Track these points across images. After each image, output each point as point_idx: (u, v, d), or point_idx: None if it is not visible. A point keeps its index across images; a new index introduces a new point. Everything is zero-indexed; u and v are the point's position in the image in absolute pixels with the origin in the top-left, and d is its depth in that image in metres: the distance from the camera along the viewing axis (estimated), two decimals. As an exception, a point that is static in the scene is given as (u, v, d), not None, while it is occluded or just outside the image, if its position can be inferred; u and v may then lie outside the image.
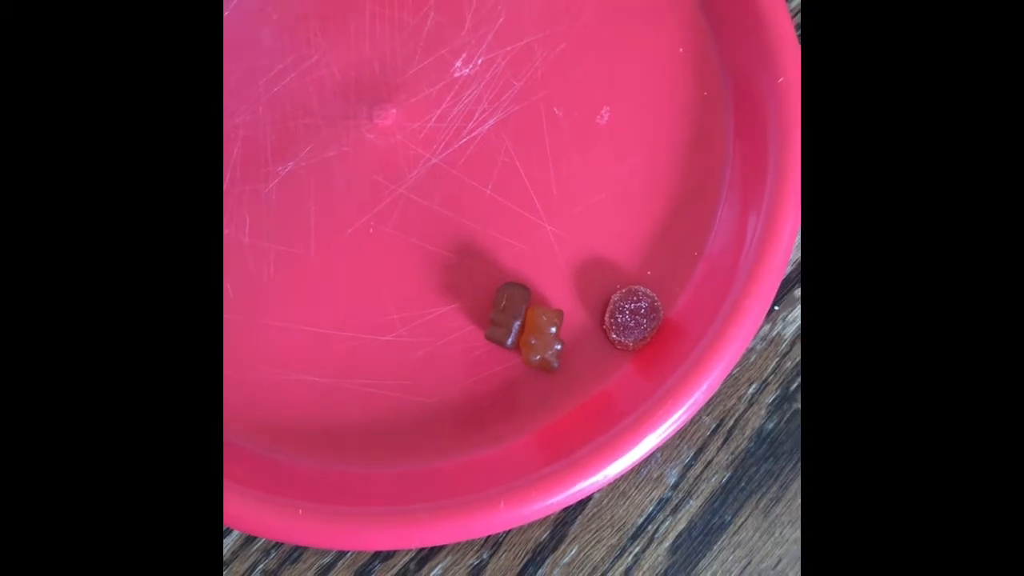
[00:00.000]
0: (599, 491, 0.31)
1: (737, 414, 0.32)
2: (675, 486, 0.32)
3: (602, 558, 0.31)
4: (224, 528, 0.31)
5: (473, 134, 0.34)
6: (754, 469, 0.32)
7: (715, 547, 0.31)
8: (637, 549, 0.31)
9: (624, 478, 0.32)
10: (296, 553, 0.31)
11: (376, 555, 0.31)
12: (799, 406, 0.32)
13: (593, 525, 0.31)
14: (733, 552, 0.31)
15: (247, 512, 0.29)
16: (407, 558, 0.31)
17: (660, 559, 0.31)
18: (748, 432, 0.32)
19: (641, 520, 0.31)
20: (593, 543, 0.31)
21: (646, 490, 0.32)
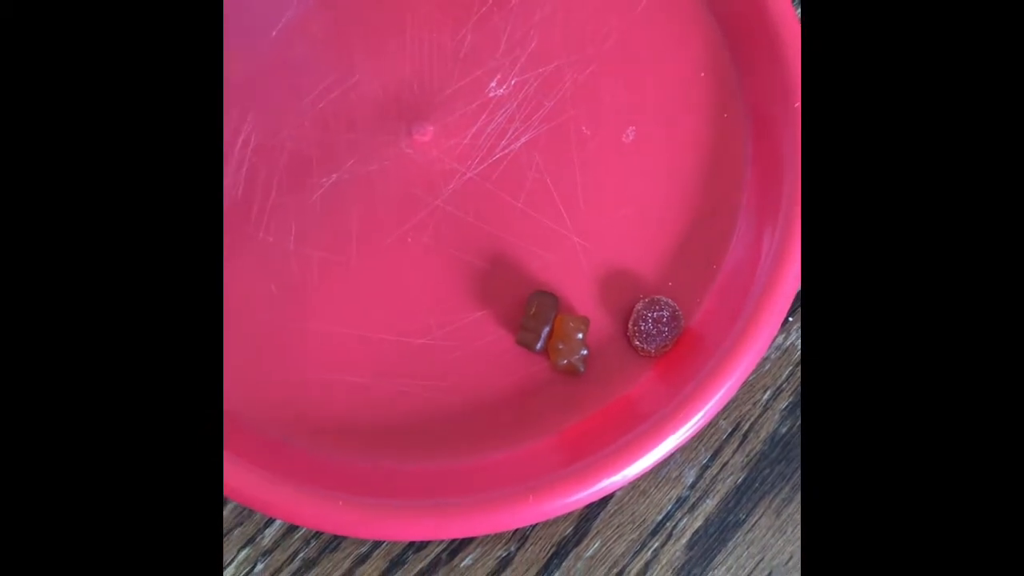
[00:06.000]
0: (621, 489, 0.33)
1: (752, 418, 0.34)
2: (693, 486, 0.33)
3: (623, 552, 0.33)
4: (267, 518, 0.33)
5: (506, 151, 0.36)
6: (768, 471, 0.33)
7: (730, 544, 0.33)
8: (656, 544, 0.33)
9: (645, 477, 0.33)
10: (335, 542, 0.33)
11: (410, 545, 0.33)
12: (811, 412, 0.34)
13: (615, 521, 0.33)
14: (747, 549, 0.33)
15: (290, 503, 0.31)
16: (439, 548, 0.33)
17: (678, 554, 0.33)
18: (762, 436, 0.34)
19: (660, 517, 0.33)
20: (615, 538, 0.33)
21: (665, 489, 0.33)
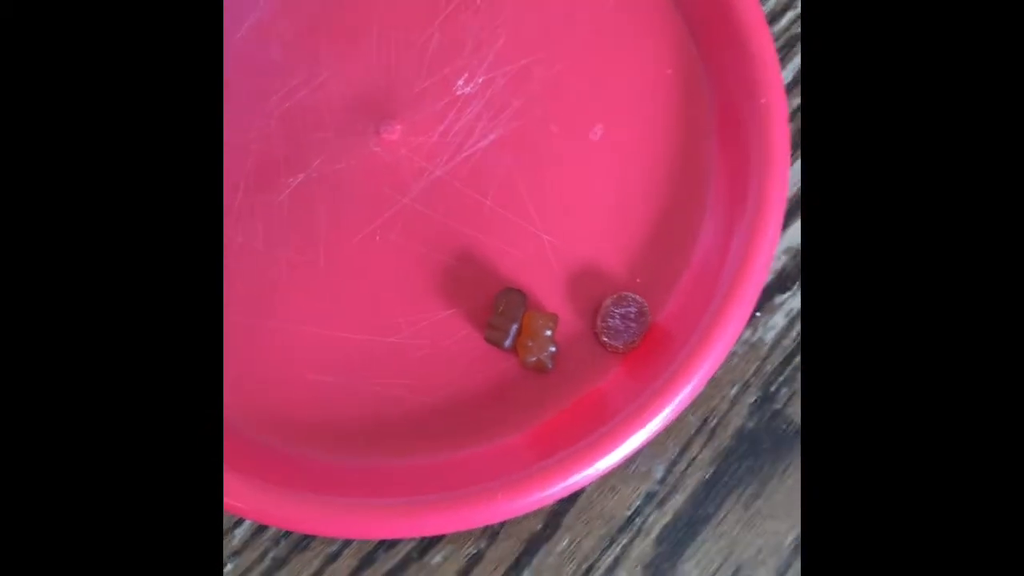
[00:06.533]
0: (590, 485, 0.33)
1: (720, 414, 0.34)
2: (661, 481, 0.34)
3: (592, 548, 0.33)
4: (236, 519, 0.33)
5: (474, 149, 0.36)
6: (736, 465, 0.34)
7: (699, 538, 0.33)
8: (625, 540, 0.33)
9: (613, 473, 0.33)
10: (304, 542, 0.33)
11: (380, 544, 0.33)
12: (779, 407, 0.34)
13: (584, 517, 0.33)
14: (716, 543, 0.33)
15: (259, 503, 0.31)
16: (409, 547, 0.33)
17: (647, 549, 0.33)
18: (730, 430, 0.34)
19: (629, 513, 0.33)
20: (584, 534, 0.33)
21: (634, 484, 0.34)
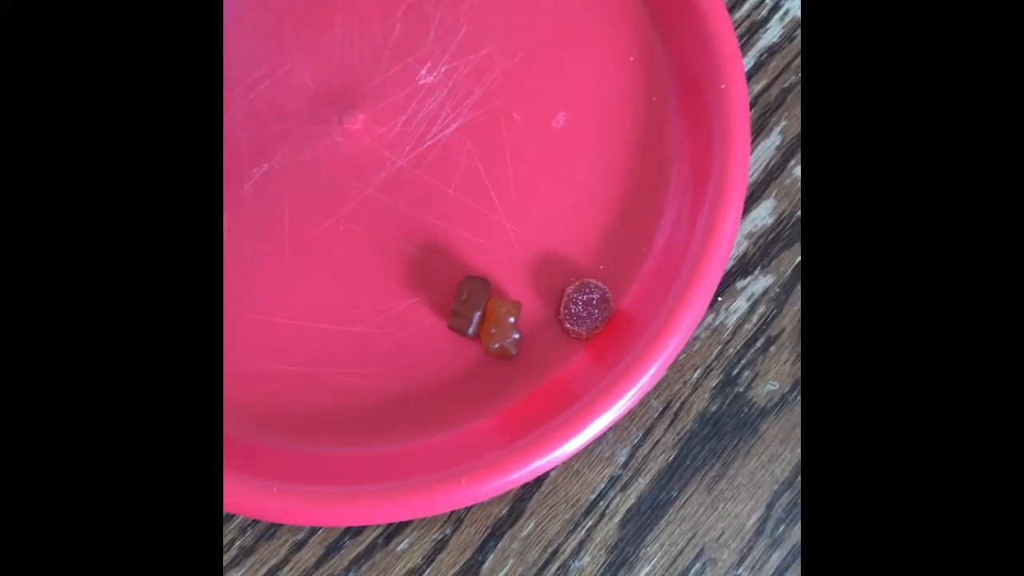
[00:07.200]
0: (554, 469, 0.34)
1: (683, 397, 0.35)
2: (625, 465, 0.34)
3: (557, 532, 0.33)
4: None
5: (437, 138, 0.36)
6: (698, 449, 0.34)
7: (662, 521, 0.33)
8: (590, 523, 0.33)
9: (577, 457, 0.34)
10: (271, 530, 0.33)
11: (346, 531, 0.33)
12: (741, 390, 0.34)
13: (549, 501, 0.34)
14: (679, 526, 0.33)
15: (225, 492, 0.31)
16: (375, 533, 0.33)
17: (611, 533, 0.33)
18: (693, 414, 0.34)
19: (593, 496, 0.34)
20: (549, 518, 0.33)
21: (598, 468, 0.34)
